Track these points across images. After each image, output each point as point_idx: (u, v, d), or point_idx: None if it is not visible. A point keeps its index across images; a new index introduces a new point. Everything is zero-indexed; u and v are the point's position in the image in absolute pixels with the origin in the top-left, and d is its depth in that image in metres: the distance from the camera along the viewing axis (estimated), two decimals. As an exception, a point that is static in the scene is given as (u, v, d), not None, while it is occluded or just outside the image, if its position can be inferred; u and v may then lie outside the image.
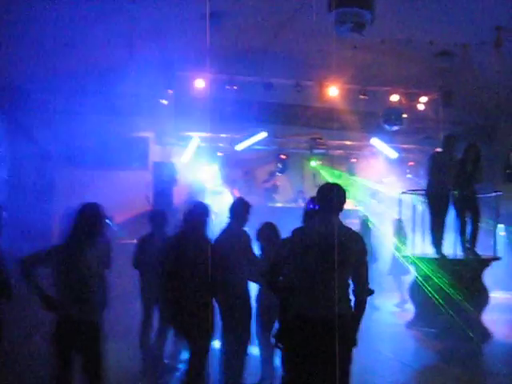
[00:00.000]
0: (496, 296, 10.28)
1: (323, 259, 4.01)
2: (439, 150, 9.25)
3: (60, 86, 12.94)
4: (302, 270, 4.12)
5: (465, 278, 8.55)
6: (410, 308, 10.00)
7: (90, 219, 4.54)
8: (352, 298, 4.14)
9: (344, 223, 4.26)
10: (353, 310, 4.12)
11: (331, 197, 4.24)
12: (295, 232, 4.33)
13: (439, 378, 6.75)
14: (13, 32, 10.38)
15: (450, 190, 8.93)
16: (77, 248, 4.44)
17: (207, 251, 5.03)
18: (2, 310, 4.78)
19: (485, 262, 8.99)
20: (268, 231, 5.98)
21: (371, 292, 4.25)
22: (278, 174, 14.37)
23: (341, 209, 4.28)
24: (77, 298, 4.39)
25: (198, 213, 5.35)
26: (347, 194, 4.38)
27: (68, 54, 11.26)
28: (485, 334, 8.43)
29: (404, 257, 10.19)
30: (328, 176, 14.84)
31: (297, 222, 4.84)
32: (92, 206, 4.62)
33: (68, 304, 4.40)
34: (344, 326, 3.96)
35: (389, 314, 10.83)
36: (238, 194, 13.67)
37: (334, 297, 3.96)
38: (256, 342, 6.02)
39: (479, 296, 8.67)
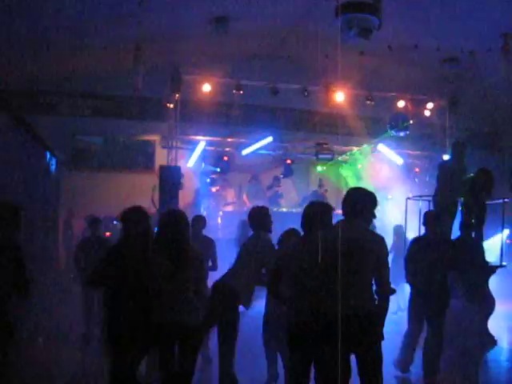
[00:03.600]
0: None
1: (342, 262, 4.07)
2: (447, 157, 9.14)
3: (67, 89, 13.02)
4: (320, 274, 4.19)
5: (469, 285, 8.48)
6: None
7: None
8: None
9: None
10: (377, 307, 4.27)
11: (353, 201, 4.35)
12: (304, 238, 4.39)
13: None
14: (21, 35, 10.45)
15: (458, 197, 8.88)
16: None
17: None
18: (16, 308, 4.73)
19: (490, 269, 8.92)
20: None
21: (393, 291, 4.39)
22: (282, 178, 14.33)
23: (363, 213, 4.33)
24: None
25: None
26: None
27: (75, 57, 11.33)
28: (489, 341, 8.37)
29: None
30: (334, 181, 14.81)
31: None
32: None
33: None
34: (371, 321, 4.18)
35: (387, 321, 10.69)
36: (247, 200, 13.69)
37: (356, 296, 4.13)
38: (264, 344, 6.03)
39: (484, 303, 8.59)
